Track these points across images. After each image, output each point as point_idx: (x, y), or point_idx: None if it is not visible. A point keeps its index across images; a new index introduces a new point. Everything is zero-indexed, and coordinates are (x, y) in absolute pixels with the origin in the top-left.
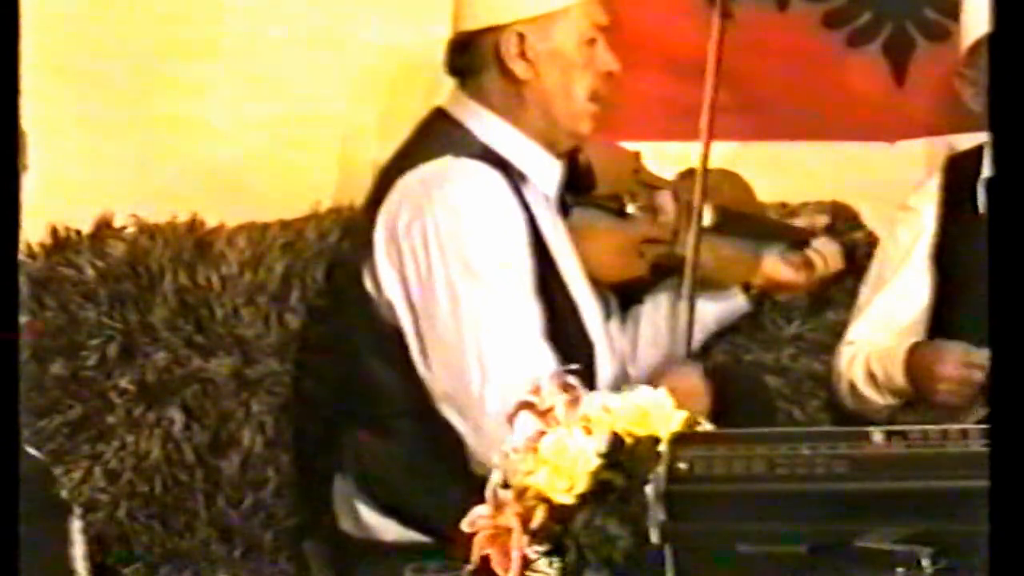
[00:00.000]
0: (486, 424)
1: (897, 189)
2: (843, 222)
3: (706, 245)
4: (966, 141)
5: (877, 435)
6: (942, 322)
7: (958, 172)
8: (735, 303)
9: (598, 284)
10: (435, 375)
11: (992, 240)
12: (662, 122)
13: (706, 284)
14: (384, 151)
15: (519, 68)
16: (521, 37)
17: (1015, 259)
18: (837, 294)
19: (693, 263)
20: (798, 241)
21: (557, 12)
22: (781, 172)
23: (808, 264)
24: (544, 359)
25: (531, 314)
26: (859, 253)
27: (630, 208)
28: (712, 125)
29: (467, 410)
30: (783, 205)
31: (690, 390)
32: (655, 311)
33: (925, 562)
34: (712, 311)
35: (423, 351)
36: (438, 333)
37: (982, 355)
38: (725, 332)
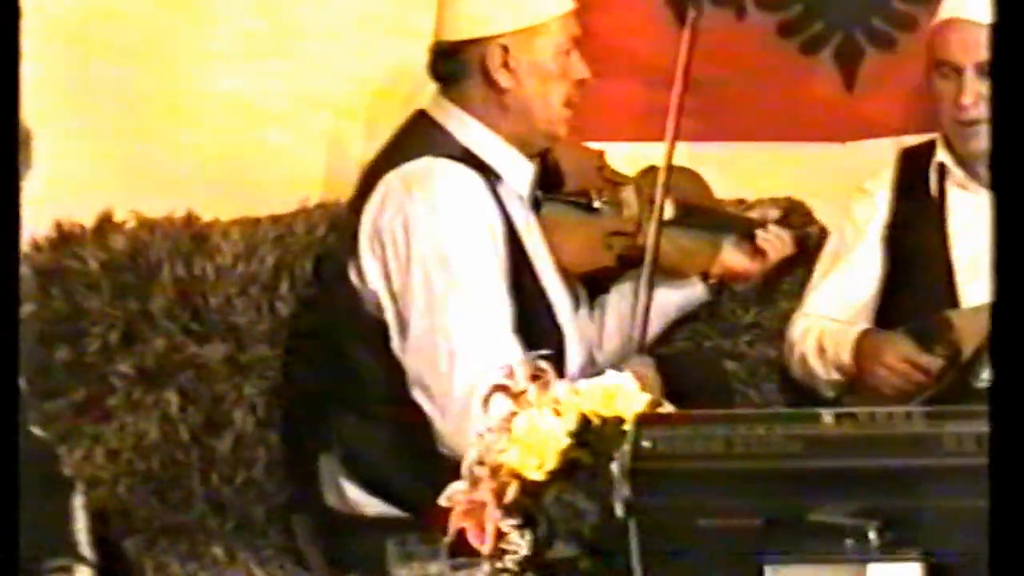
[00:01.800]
0: (452, 408)
1: (848, 187)
2: (797, 217)
3: (667, 236)
4: (913, 141)
5: (828, 417)
6: (891, 301)
7: (911, 160)
8: (695, 292)
9: (568, 276)
10: (409, 361)
11: (995, 241)
12: (629, 124)
13: (668, 273)
14: (368, 151)
15: (502, 77)
16: (505, 49)
17: (1015, 260)
18: (791, 285)
19: (653, 252)
20: (752, 231)
21: (538, 26)
22: (739, 171)
23: (762, 251)
24: (510, 350)
25: (502, 307)
26: (811, 245)
27: (596, 203)
28: (677, 127)
29: (436, 395)
30: (741, 202)
31: (641, 381)
32: (621, 301)
33: (872, 535)
34: (674, 300)
35: (402, 340)
36: (413, 321)
37: (927, 359)
38: (686, 320)
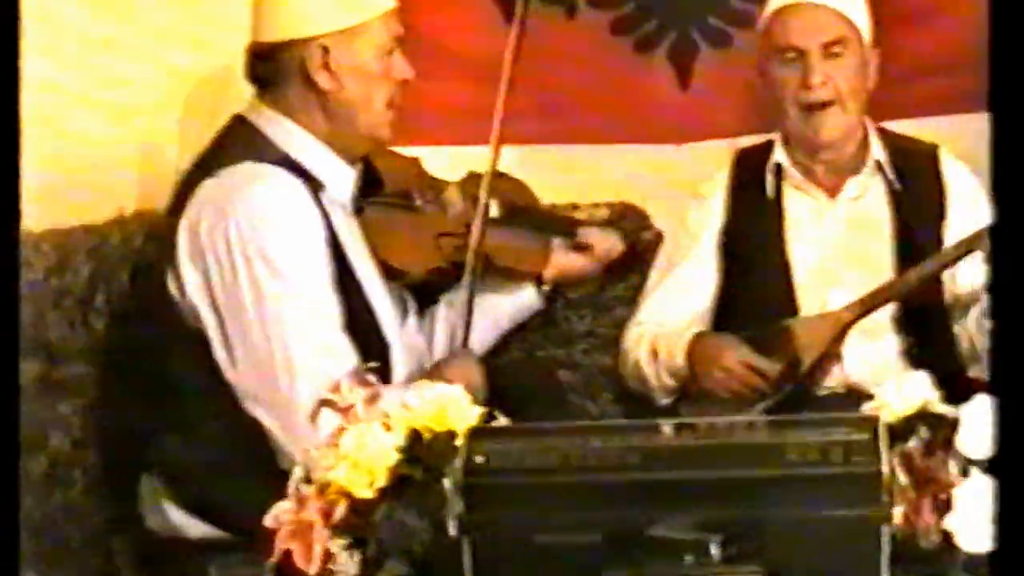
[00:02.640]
0: (295, 420)
1: (684, 189)
2: (632, 222)
3: (496, 237)
4: (751, 141)
5: (667, 427)
6: (728, 308)
7: (747, 162)
8: (528, 300)
9: (396, 285)
10: (242, 375)
11: (994, 243)
12: (455, 127)
13: (501, 275)
14: (184, 157)
15: (323, 80)
16: (325, 50)
17: (1016, 262)
18: (625, 291)
19: (477, 249)
20: (580, 231)
21: (359, 26)
22: (572, 174)
23: (591, 248)
24: (348, 353)
25: (332, 310)
26: (642, 248)
27: (419, 202)
28: (503, 128)
29: (276, 407)
30: (574, 206)
31: (466, 378)
32: (450, 310)
33: (714, 549)
34: (506, 308)
35: (229, 352)
36: (244, 333)
37: (766, 364)
38: (519, 329)
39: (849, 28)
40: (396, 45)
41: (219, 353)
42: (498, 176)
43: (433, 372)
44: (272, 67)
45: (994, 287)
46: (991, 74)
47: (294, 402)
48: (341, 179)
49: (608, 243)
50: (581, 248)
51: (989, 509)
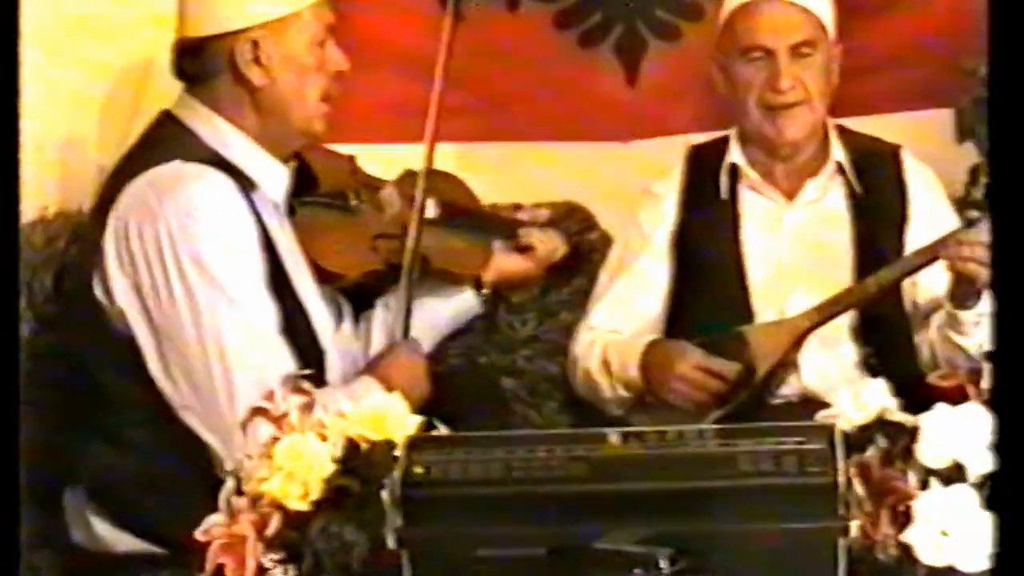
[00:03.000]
0: (236, 428)
1: (632, 189)
2: (577, 223)
3: (435, 237)
4: (701, 139)
5: (614, 436)
6: (681, 312)
7: (701, 160)
8: (467, 303)
9: (331, 288)
10: (177, 383)
11: (996, 242)
12: (391, 123)
13: (439, 278)
14: (106, 155)
15: (254, 74)
16: (255, 43)
17: (1016, 262)
18: (570, 295)
19: (414, 250)
20: (521, 231)
21: (289, 16)
22: (514, 173)
23: (532, 250)
24: (285, 357)
25: (268, 314)
26: (587, 250)
27: (354, 202)
28: (441, 125)
29: (213, 416)
30: (517, 206)
31: (408, 369)
32: (387, 314)
33: (663, 563)
34: (445, 312)
35: (162, 360)
36: (179, 341)
37: (720, 363)
38: (459, 335)
39: (817, 27)
40: (329, 35)
41: (151, 362)
42: (436, 175)
43: (374, 366)
44: (200, 63)
45: (994, 286)
46: (990, 61)
47: (233, 411)
48: (274, 178)
49: (551, 244)
50: (522, 249)
51: (949, 522)
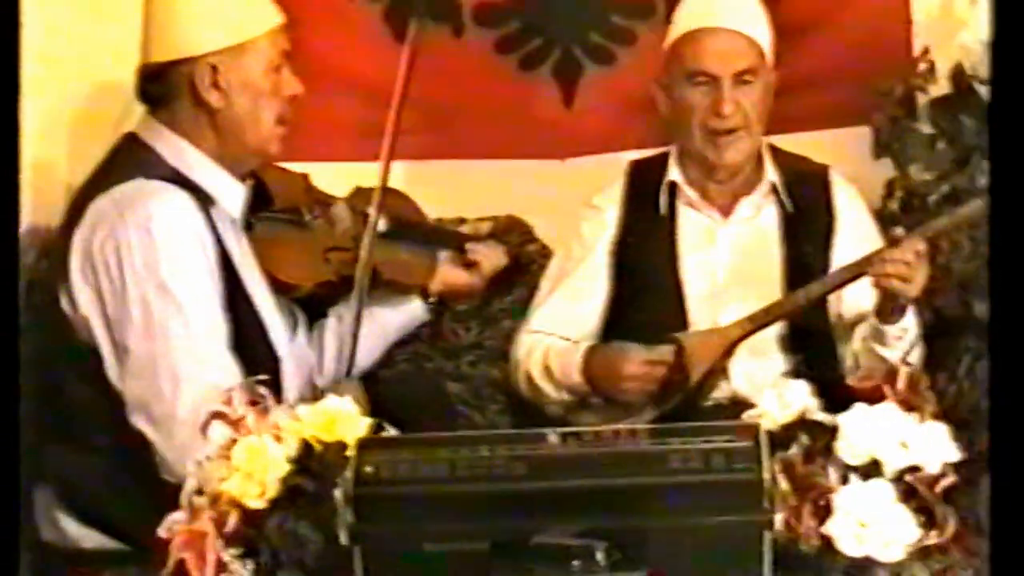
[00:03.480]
0: (177, 433)
1: (568, 203)
2: (517, 235)
3: (384, 250)
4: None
5: (553, 436)
6: (619, 319)
7: (641, 175)
8: (414, 311)
9: (286, 299)
10: (128, 387)
11: (992, 247)
12: (345, 143)
13: (388, 288)
14: (74, 174)
15: (212, 98)
16: (214, 68)
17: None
18: (512, 303)
19: (366, 263)
20: (464, 245)
21: (246, 43)
22: (458, 189)
23: (475, 264)
24: (231, 370)
25: (219, 327)
26: (527, 261)
27: (307, 218)
28: (393, 145)
29: (159, 420)
30: (461, 220)
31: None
32: (340, 323)
33: (600, 555)
34: (393, 321)
35: (120, 365)
36: (132, 346)
37: (660, 351)
38: (407, 342)
39: (759, 55)
40: (284, 61)
41: (109, 366)
42: (386, 191)
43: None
44: (162, 86)
45: (994, 286)
46: (992, 65)
47: (176, 415)
48: (231, 194)
49: (494, 259)
50: (468, 265)
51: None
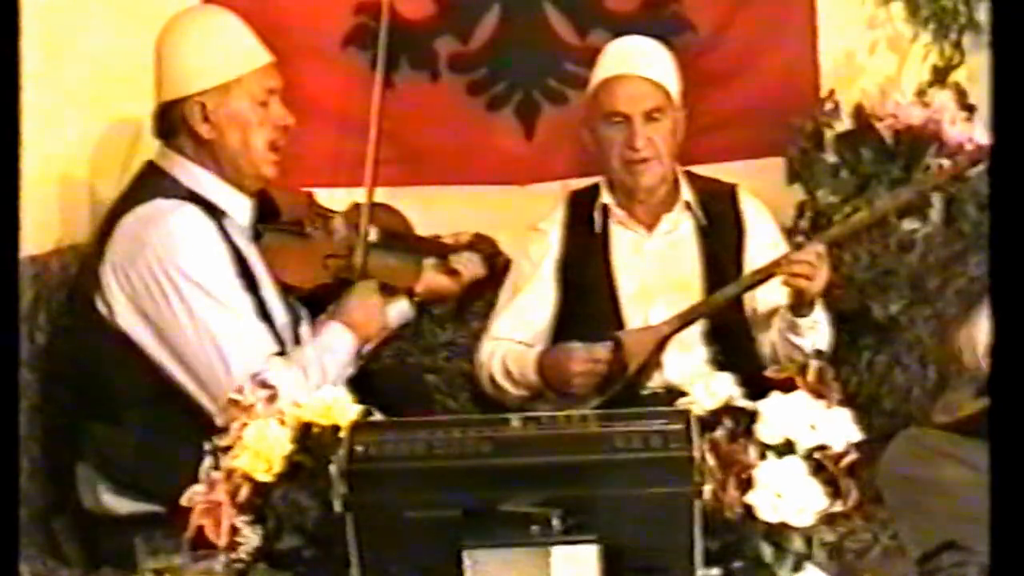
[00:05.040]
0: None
1: (528, 222)
2: (486, 249)
3: (375, 256)
4: (581, 184)
5: (515, 420)
6: (566, 325)
7: (579, 201)
8: (403, 310)
9: (291, 296)
10: (174, 366)
11: (992, 252)
12: (336, 171)
13: (380, 290)
14: (96, 195)
15: (204, 130)
16: (203, 105)
17: (1014, 269)
18: (480, 306)
19: (362, 267)
20: (446, 254)
21: (230, 82)
22: (435, 210)
23: (457, 272)
24: (264, 335)
25: (245, 301)
26: (498, 271)
27: (309, 229)
28: (376, 172)
29: (211, 387)
30: (437, 237)
31: (365, 308)
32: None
33: (555, 522)
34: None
35: (164, 352)
36: (179, 336)
37: (602, 348)
38: (392, 340)
39: (665, 96)
40: (271, 95)
41: (154, 354)
42: (378, 206)
43: (337, 312)
44: (168, 122)
45: (994, 287)
46: (993, 82)
47: (231, 380)
48: (240, 208)
49: (474, 268)
50: (451, 272)
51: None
